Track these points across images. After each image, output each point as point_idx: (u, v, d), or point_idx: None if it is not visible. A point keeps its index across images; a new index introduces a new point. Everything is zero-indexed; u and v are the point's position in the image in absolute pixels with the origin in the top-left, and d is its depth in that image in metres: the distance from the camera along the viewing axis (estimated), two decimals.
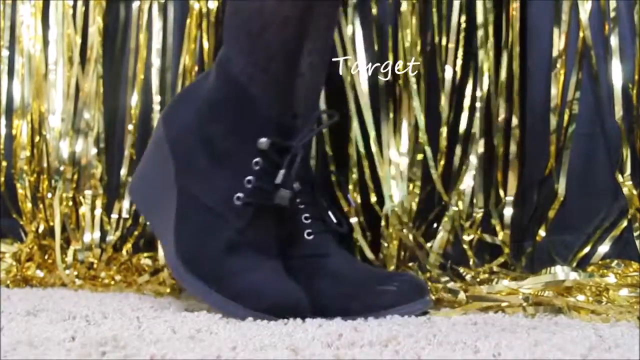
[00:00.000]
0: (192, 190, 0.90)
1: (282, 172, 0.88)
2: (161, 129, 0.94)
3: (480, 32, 1.17)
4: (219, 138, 0.89)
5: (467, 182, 1.17)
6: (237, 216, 0.88)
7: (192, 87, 0.96)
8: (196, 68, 1.28)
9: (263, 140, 0.88)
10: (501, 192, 1.17)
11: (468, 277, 1.07)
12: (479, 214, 1.16)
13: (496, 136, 1.16)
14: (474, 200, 1.17)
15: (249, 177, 0.88)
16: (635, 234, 1.03)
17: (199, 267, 0.87)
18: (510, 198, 1.14)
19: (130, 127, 1.29)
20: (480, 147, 1.17)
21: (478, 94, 1.17)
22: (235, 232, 0.87)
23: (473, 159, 1.17)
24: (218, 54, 0.92)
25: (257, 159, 0.88)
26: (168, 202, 0.91)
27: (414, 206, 1.18)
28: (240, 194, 0.88)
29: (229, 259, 0.87)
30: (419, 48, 1.20)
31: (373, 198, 1.19)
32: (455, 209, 1.16)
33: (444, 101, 1.19)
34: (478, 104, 1.17)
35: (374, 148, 1.18)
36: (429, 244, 1.16)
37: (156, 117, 1.28)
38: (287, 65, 0.90)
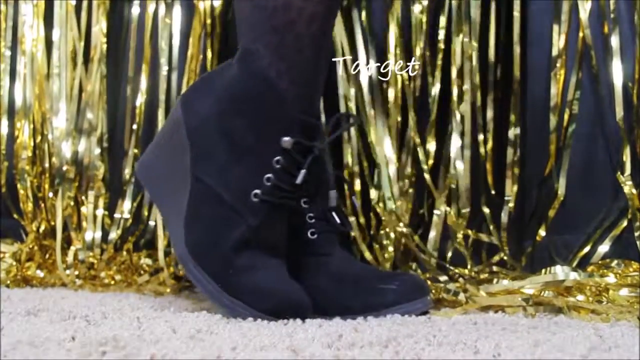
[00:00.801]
0: (208, 181, 0.88)
1: (303, 172, 0.87)
2: (180, 113, 0.92)
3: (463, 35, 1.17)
4: (241, 132, 0.88)
5: (460, 181, 1.17)
6: (252, 213, 0.86)
7: (214, 75, 0.93)
8: (201, 57, 1.28)
9: (287, 138, 0.86)
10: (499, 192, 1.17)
11: (468, 277, 1.07)
12: (464, 211, 1.16)
13: (485, 135, 1.17)
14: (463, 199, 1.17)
15: (269, 175, 0.87)
16: (636, 234, 1.03)
17: (208, 262, 0.86)
18: (508, 197, 1.15)
19: (134, 127, 1.29)
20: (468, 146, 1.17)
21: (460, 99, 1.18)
22: (248, 229, 0.86)
23: (463, 159, 1.17)
24: (240, 48, 0.90)
25: (278, 157, 0.87)
26: (180, 189, 0.90)
27: (408, 206, 1.19)
28: (257, 191, 0.87)
29: (239, 257, 0.86)
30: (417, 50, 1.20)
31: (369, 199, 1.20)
32: (448, 209, 1.16)
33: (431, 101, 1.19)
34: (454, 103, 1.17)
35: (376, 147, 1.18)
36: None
37: (160, 116, 1.28)
38: (315, 62, 0.89)
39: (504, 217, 1.15)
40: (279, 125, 0.87)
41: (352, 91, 1.19)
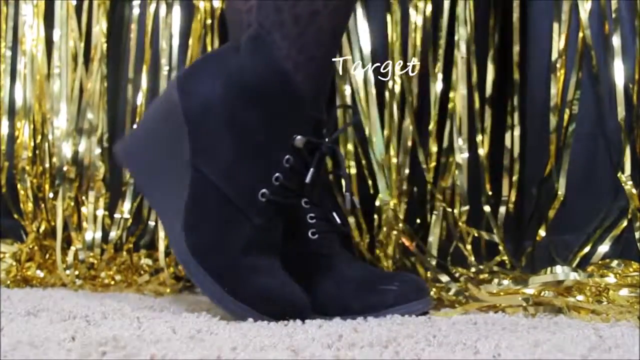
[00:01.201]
0: (211, 177, 0.83)
1: (311, 170, 0.84)
2: (175, 95, 0.85)
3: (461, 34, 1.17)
4: (250, 126, 0.82)
5: (460, 180, 1.17)
6: (258, 213, 0.83)
7: (216, 57, 0.86)
8: None
9: (299, 137, 0.83)
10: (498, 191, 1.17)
11: (468, 277, 1.07)
12: (463, 209, 1.16)
13: (484, 136, 1.17)
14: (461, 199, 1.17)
15: (277, 174, 0.83)
16: (636, 234, 1.03)
17: (212, 264, 0.83)
18: (504, 198, 1.15)
19: (134, 127, 1.29)
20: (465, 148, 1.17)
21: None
22: (253, 230, 0.83)
23: (463, 157, 1.17)
24: (248, 33, 0.84)
25: (288, 156, 0.83)
26: (177, 180, 0.84)
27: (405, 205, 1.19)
28: (265, 191, 0.83)
29: (245, 259, 0.83)
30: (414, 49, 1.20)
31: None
32: (449, 209, 1.16)
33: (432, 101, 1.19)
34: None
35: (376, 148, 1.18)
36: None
37: None
38: (331, 56, 0.85)
39: (502, 217, 1.15)
40: (292, 123, 0.83)
41: (349, 90, 1.20)
